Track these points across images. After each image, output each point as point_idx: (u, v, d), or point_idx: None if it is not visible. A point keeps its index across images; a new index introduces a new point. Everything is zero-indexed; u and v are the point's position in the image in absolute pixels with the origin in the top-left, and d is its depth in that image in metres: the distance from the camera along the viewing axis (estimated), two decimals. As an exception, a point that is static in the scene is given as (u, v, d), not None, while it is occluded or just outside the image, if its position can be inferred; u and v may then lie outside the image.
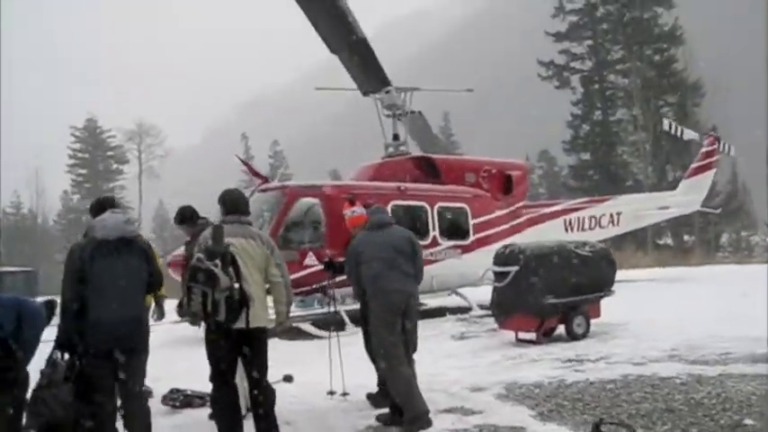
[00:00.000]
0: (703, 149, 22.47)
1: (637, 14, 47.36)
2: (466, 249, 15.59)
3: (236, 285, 5.65)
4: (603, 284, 10.93)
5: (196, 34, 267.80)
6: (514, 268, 10.38)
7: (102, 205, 6.03)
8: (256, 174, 15.36)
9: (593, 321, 10.92)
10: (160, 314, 8.12)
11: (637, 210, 19.73)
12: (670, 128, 23.66)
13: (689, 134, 23.79)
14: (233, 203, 6.22)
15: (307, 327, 13.02)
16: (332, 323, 9.91)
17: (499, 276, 10.73)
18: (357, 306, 7.69)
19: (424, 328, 9.79)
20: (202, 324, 5.87)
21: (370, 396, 7.50)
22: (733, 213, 47.09)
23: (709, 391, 6.95)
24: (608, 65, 49.31)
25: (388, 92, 16.88)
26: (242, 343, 5.82)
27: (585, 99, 49.33)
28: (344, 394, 7.72)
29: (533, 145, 69.62)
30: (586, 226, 17.72)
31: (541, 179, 68.30)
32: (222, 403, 5.88)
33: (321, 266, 13.62)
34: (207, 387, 7.38)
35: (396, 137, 17.14)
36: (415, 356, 6.90)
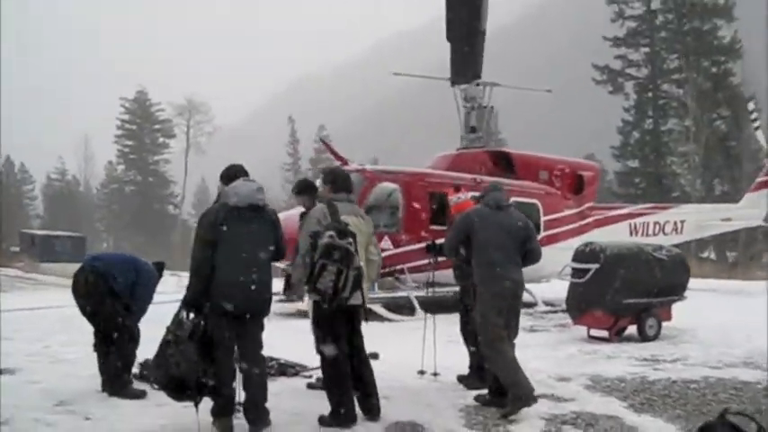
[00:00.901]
0: None
1: (696, 25, 46.76)
2: None
3: (362, 263, 6.01)
4: (677, 289, 11.18)
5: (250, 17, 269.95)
6: (594, 266, 10.65)
7: (235, 173, 6.09)
8: (336, 155, 15.69)
9: (663, 324, 11.14)
10: None
11: (700, 220, 19.77)
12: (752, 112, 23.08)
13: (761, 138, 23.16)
14: (343, 181, 6.50)
15: (378, 309, 13.32)
16: (403, 307, 10.23)
17: (578, 273, 10.98)
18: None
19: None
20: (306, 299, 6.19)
21: (461, 378, 7.71)
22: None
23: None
24: (663, 74, 48.82)
25: (478, 84, 17.17)
26: (349, 318, 6.16)
27: (638, 106, 48.94)
28: (435, 374, 7.93)
29: (579, 149, 69.27)
30: (650, 231, 17.84)
31: (585, 183, 67.79)
32: (342, 374, 6.04)
33: (396, 251, 14.16)
34: (294, 358, 7.74)
35: (473, 129, 17.38)
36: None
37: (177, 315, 5.70)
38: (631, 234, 17.44)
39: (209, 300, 5.67)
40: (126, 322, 6.93)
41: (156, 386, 5.73)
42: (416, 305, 13.08)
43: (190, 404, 5.88)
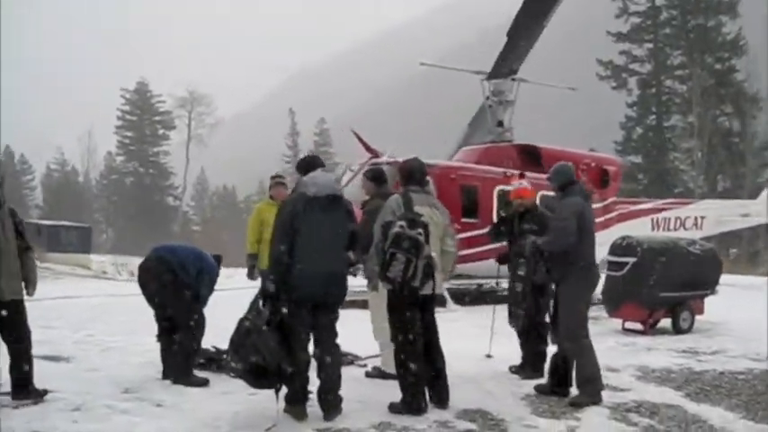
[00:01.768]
0: None
1: (701, 21, 46.99)
2: None
3: (433, 254, 6.08)
4: (709, 283, 11.33)
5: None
6: (632, 259, 10.77)
7: (311, 163, 6.16)
8: (368, 148, 15.71)
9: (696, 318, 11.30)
10: None
11: (720, 215, 19.96)
12: None
13: None
14: (420, 172, 6.60)
15: None
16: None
17: (614, 266, 11.08)
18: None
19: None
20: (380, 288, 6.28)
21: (514, 370, 7.77)
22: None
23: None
24: (667, 69, 48.97)
25: (514, 80, 17.31)
26: (422, 307, 6.20)
27: (641, 102, 49.07)
28: (488, 356, 8.29)
29: (581, 144, 69.33)
30: (672, 226, 18.01)
31: (587, 177, 67.97)
32: (415, 362, 6.03)
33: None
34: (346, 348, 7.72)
35: (500, 123, 17.54)
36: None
37: (254, 303, 5.76)
38: (653, 229, 17.60)
39: (286, 288, 5.72)
40: (195, 311, 7.01)
41: (233, 374, 5.74)
42: (448, 297, 13.16)
43: (256, 392, 6.00)
